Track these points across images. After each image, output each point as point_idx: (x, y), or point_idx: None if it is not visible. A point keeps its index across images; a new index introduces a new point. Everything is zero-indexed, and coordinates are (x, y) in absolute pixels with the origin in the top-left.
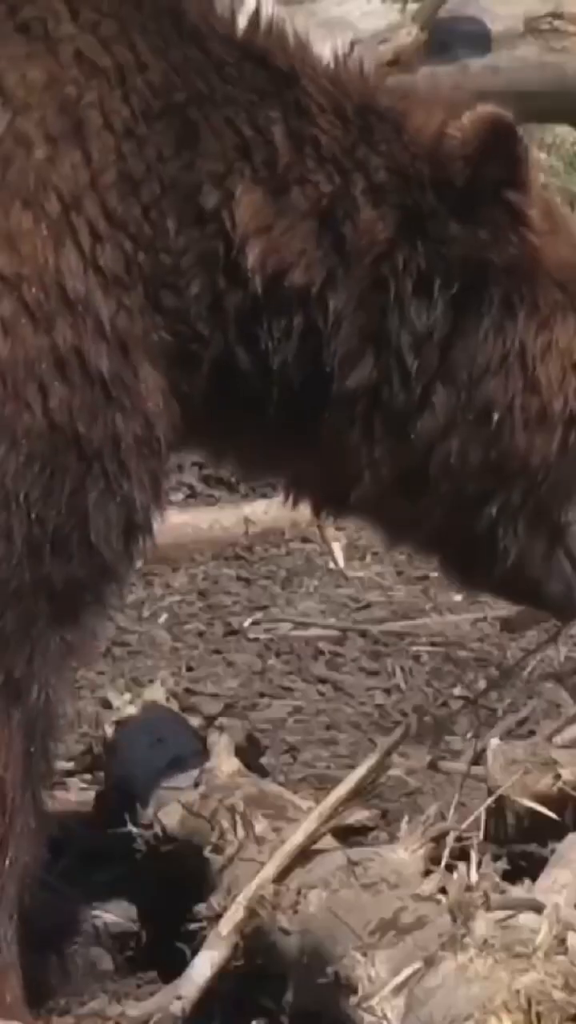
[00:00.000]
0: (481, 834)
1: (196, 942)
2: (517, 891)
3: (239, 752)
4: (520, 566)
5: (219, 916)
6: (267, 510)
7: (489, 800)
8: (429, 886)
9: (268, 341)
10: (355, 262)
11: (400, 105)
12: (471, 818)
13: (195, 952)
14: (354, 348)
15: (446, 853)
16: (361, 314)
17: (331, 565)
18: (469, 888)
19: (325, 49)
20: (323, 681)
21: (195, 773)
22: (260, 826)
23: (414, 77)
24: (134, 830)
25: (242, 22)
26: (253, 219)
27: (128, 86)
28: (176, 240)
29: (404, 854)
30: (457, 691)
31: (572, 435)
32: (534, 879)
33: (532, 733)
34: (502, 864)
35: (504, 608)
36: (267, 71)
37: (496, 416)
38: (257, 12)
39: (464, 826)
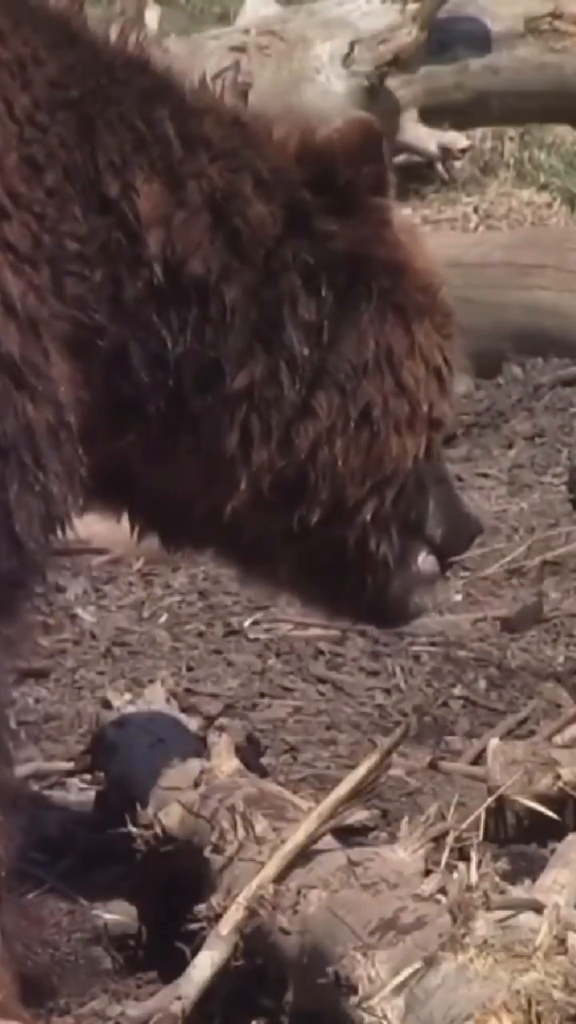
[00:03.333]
0: (481, 834)
1: (196, 942)
2: (517, 891)
3: (239, 752)
4: (387, 579)
5: (219, 916)
6: None
7: (489, 800)
8: (429, 886)
9: (166, 331)
10: (248, 256)
11: (260, 121)
12: (471, 818)
13: (195, 952)
14: (245, 344)
15: (446, 853)
16: (253, 309)
17: None
18: (469, 888)
19: (324, 49)
20: (323, 681)
21: (195, 773)
22: (260, 826)
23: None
24: (134, 830)
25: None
26: (154, 209)
27: (27, 77)
28: (81, 227)
29: (404, 854)
30: (457, 691)
31: (435, 440)
32: (534, 879)
33: (532, 733)
34: (502, 864)
35: (504, 608)
36: (150, 76)
37: (375, 417)
38: (123, 28)
39: (464, 826)
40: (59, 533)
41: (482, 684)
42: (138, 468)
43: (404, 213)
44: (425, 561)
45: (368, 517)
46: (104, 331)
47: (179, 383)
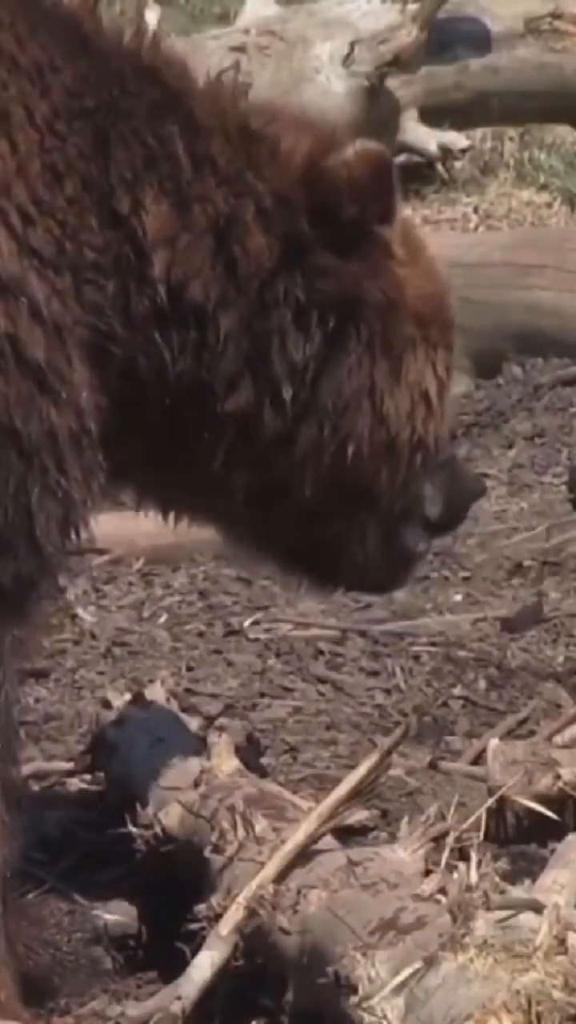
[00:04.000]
0: (481, 834)
1: (196, 942)
2: (517, 891)
3: (239, 752)
4: (371, 558)
5: (219, 916)
6: None
7: (490, 800)
8: (429, 886)
9: (167, 350)
10: (243, 286)
11: (270, 128)
12: (471, 818)
13: (195, 952)
14: (236, 371)
15: (446, 853)
16: (245, 339)
17: None
18: (469, 888)
19: (324, 49)
20: (323, 681)
21: (195, 773)
22: (260, 826)
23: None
24: (134, 830)
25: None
26: (160, 229)
27: (46, 84)
28: (97, 237)
29: (404, 854)
30: (457, 691)
31: (418, 457)
32: (534, 879)
33: (532, 733)
34: (502, 864)
35: (504, 608)
36: (160, 87)
37: (351, 450)
38: (139, 27)
39: (464, 826)
40: (75, 537)
41: (482, 684)
42: (137, 469)
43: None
44: (415, 538)
45: (342, 526)
46: (118, 339)
47: (176, 400)
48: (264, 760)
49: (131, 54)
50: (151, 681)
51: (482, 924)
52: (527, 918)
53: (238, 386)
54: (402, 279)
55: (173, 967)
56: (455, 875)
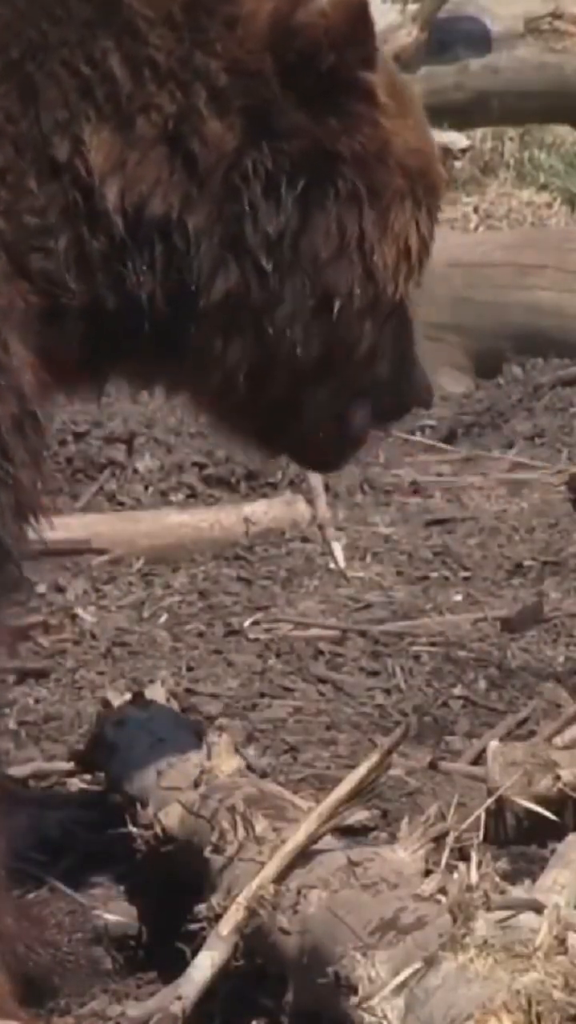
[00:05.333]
0: (481, 835)
1: (196, 942)
2: (517, 891)
3: (239, 752)
4: (322, 428)
5: (219, 916)
6: (267, 510)
7: (489, 801)
8: (429, 886)
9: (133, 278)
10: (208, 178)
11: None
12: (471, 818)
13: (195, 952)
14: (216, 260)
15: (446, 853)
16: (219, 227)
17: (331, 565)
18: (469, 888)
19: None
20: (323, 681)
21: (195, 773)
22: (260, 826)
23: None
24: (134, 830)
25: None
26: (106, 159)
27: None
28: (38, 199)
29: (404, 854)
30: (457, 691)
31: (394, 319)
32: (534, 879)
33: (532, 733)
34: (502, 864)
35: (504, 608)
36: (91, 1)
37: (337, 304)
38: None
39: (464, 826)
40: (33, 523)
41: (482, 684)
42: (127, 374)
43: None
44: (360, 420)
45: (323, 390)
46: (74, 295)
47: (156, 315)
48: (264, 760)
49: None
50: (151, 681)
51: (482, 924)
52: (527, 918)
53: (218, 275)
54: (388, 129)
55: (173, 967)
56: (455, 875)
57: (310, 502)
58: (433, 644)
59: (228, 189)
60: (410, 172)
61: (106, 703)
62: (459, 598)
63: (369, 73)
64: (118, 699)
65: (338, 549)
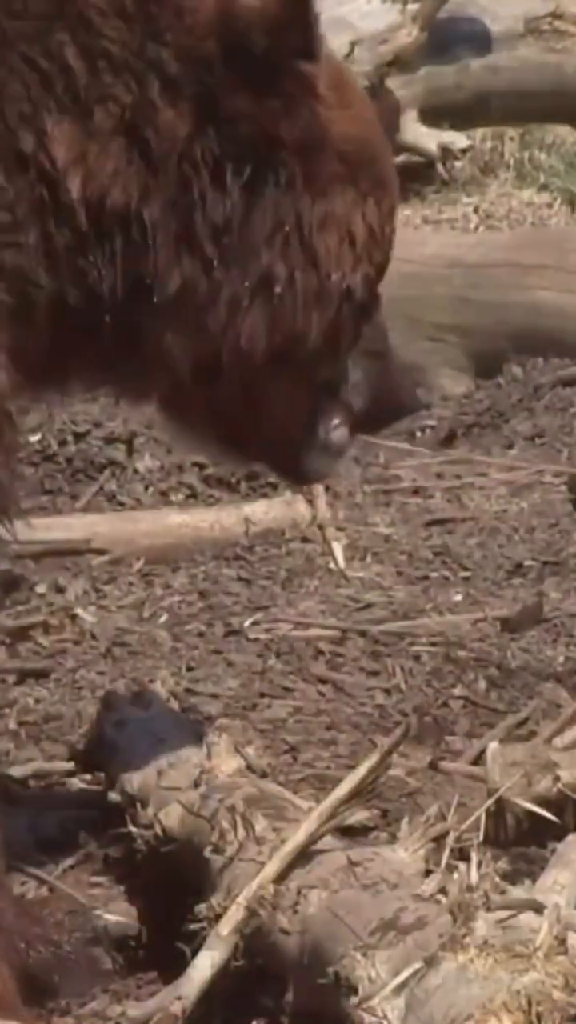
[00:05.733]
0: (481, 835)
1: (196, 942)
2: (517, 891)
3: (239, 752)
4: (292, 437)
5: (219, 916)
6: (267, 510)
7: (489, 801)
8: (429, 886)
9: (95, 272)
10: (162, 168)
11: None
12: (471, 819)
13: (195, 952)
14: (171, 253)
15: (446, 853)
16: (173, 220)
17: (331, 565)
18: (469, 888)
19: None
20: (323, 681)
21: (195, 773)
22: (260, 826)
23: None
24: (134, 830)
25: None
26: (68, 151)
27: None
28: (7, 193)
29: (404, 854)
30: (457, 691)
31: (346, 310)
32: (534, 879)
33: (532, 733)
34: (502, 865)
35: (504, 608)
36: None
37: (277, 291)
38: None
39: (464, 827)
40: (8, 521)
41: (482, 684)
42: (85, 377)
43: (404, 214)
44: (335, 428)
45: (278, 387)
46: (42, 291)
47: (115, 313)
48: (264, 760)
49: None
50: (151, 681)
51: (482, 924)
52: (527, 918)
53: (173, 268)
54: (326, 117)
55: (173, 967)
56: (455, 875)
57: (310, 502)
58: (433, 644)
59: (181, 179)
60: (350, 160)
61: (106, 703)
62: (459, 598)
63: (306, 62)
64: (119, 697)
65: (338, 549)
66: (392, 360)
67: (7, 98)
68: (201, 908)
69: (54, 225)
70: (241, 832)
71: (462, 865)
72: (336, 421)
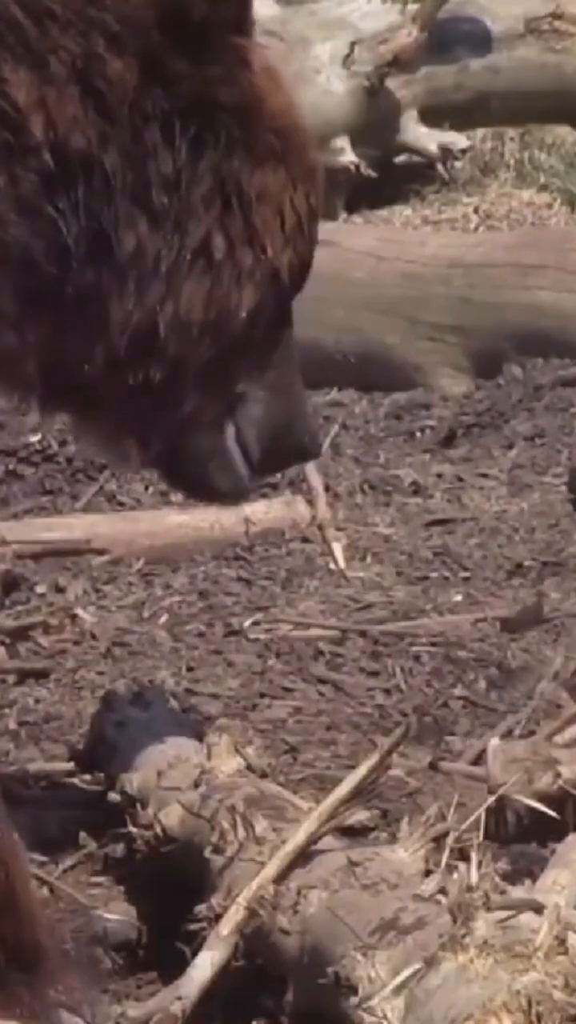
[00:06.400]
0: (481, 834)
1: (196, 942)
2: (517, 891)
3: (239, 752)
4: (195, 451)
5: (219, 916)
6: (267, 510)
7: (490, 800)
8: (429, 886)
9: (60, 217)
10: (116, 117)
11: None
12: (471, 818)
13: (195, 952)
14: (128, 209)
15: (446, 853)
16: (129, 172)
17: (331, 565)
18: (469, 888)
19: (324, 49)
20: (323, 681)
21: (195, 773)
22: (260, 826)
23: None
24: (134, 830)
25: None
26: (28, 95)
27: None
28: None
29: (404, 854)
30: (457, 691)
31: (270, 296)
32: (534, 879)
33: (532, 733)
34: (502, 864)
35: (504, 608)
36: None
37: (216, 258)
38: None
39: (464, 826)
40: None
41: (482, 684)
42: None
43: (404, 213)
44: (232, 451)
45: (195, 376)
46: (14, 239)
47: (78, 263)
48: (264, 760)
49: None
50: (151, 681)
51: (482, 924)
52: (527, 918)
53: (131, 222)
54: (260, 88)
55: (173, 967)
56: (455, 875)
57: (310, 502)
58: (433, 644)
59: (134, 129)
60: (282, 137)
61: (107, 703)
62: (459, 598)
63: (240, 36)
64: (119, 697)
65: (338, 549)
66: (297, 400)
67: None
68: (201, 908)
69: (20, 169)
70: (241, 832)
71: (462, 865)
72: (237, 442)
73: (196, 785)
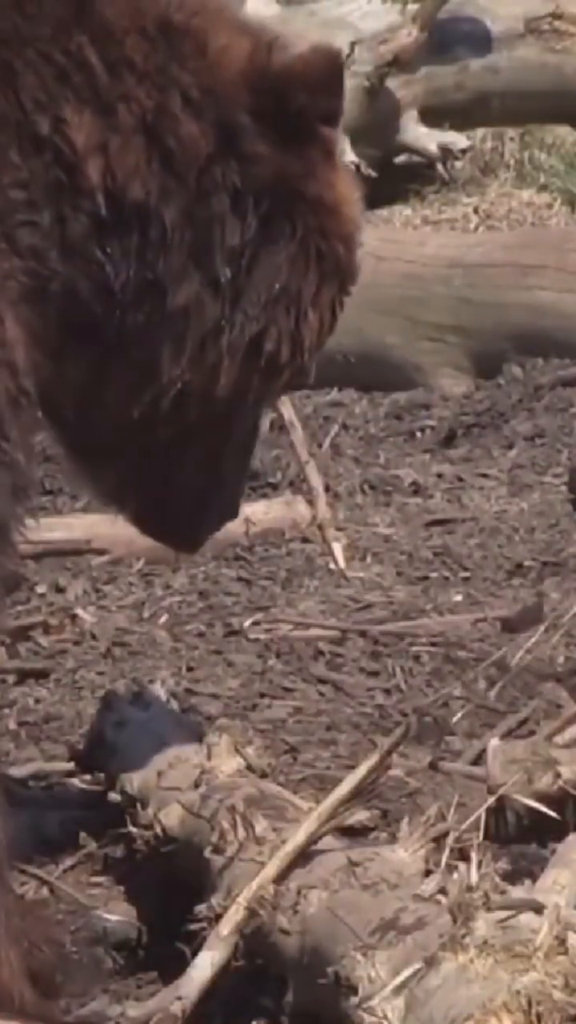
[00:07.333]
0: (481, 834)
1: (196, 942)
2: (517, 891)
3: (239, 752)
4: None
5: (219, 916)
6: (267, 510)
7: (490, 800)
8: (429, 886)
9: (110, 262)
10: (182, 176)
11: (196, 22)
12: (471, 818)
13: (195, 952)
14: (182, 263)
15: (446, 853)
16: (189, 229)
17: (331, 565)
18: (469, 888)
19: None
20: (323, 681)
21: (195, 773)
22: (260, 826)
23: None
24: (134, 830)
25: None
26: (88, 138)
27: None
28: (21, 172)
29: (404, 854)
30: (457, 691)
31: (283, 391)
32: (534, 879)
33: (532, 733)
34: (502, 864)
35: (504, 608)
36: (62, 2)
37: (266, 349)
38: None
39: (464, 826)
40: (26, 502)
41: (482, 684)
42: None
43: (404, 213)
44: (225, 492)
45: (202, 446)
46: (56, 275)
47: (124, 308)
48: (264, 760)
49: None
50: (151, 681)
51: (482, 924)
52: (527, 918)
53: (184, 279)
54: (340, 189)
55: (173, 967)
56: (455, 875)
57: (310, 502)
58: (433, 644)
59: (200, 192)
60: (347, 245)
61: (107, 703)
62: (459, 598)
63: (330, 129)
64: (119, 697)
65: (338, 549)
66: (247, 463)
67: (21, 87)
68: (201, 908)
69: (70, 210)
70: (241, 832)
71: (462, 865)
72: (229, 489)
73: (196, 785)
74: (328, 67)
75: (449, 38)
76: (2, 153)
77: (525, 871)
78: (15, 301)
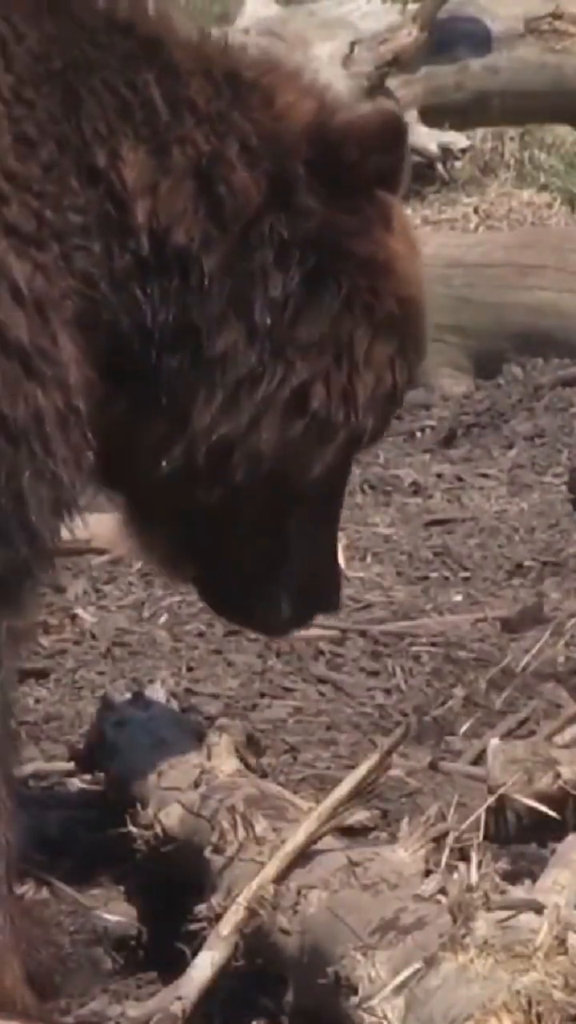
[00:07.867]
0: (481, 834)
1: (196, 942)
2: (517, 891)
3: (239, 752)
4: (256, 584)
5: (219, 916)
6: None
7: (490, 800)
8: (429, 886)
9: (148, 303)
10: (228, 225)
11: (265, 80)
12: (471, 818)
13: (195, 952)
14: (221, 312)
15: (446, 853)
16: (230, 279)
17: None
18: (469, 888)
19: (324, 49)
20: (323, 681)
21: (195, 773)
22: (260, 826)
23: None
24: (134, 830)
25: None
26: (139, 177)
27: (10, 54)
28: (79, 198)
29: (404, 854)
30: (457, 691)
31: (346, 454)
32: (534, 879)
33: (532, 733)
34: (502, 864)
35: (504, 608)
36: (134, 39)
37: (313, 405)
38: None
39: (464, 826)
40: (68, 520)
41: (482, 684)
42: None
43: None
44: (277, 595)
45: (258, 515)
46: (106, 303)
47: (160, 351)
48: (264, 760)
49: (106, 11)
50: (151, 681)
51: (482, 924)
52: (527, 918)
53: (223, 327)
54: (394, 251)
55: (173, 967)
56: (455, 875)
57: None
58: (433, 644)
59: (245, 243)
60: (404, 305)
61: (107, 703)
62: (459, 598)
63: (388, 191)
64: (118, 699)
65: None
66: (333, 553)
67: (84, 114)
68: (201, 908)
69: (117, 246)
70: (241, 832)
71: (462, 865)
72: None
73: (196, 785)
74: (384, 125)
75: (449, 38)
76: (64, 176)
77: (525, 871)
78: (69, 321)
